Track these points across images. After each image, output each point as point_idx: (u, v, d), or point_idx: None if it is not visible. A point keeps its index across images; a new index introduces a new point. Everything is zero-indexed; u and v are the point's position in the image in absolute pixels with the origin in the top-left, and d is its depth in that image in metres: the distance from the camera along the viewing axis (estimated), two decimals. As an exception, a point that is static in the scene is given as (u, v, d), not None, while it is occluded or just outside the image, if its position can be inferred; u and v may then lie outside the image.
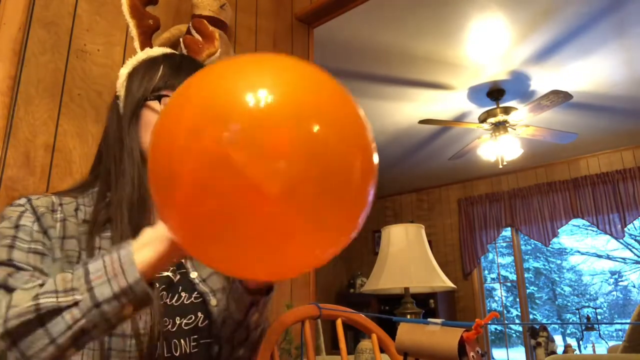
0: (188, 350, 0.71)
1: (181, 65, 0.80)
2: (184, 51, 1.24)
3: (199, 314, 0.74)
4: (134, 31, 1.22)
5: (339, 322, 0.84)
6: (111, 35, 1.37)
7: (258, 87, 0.42)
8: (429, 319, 0.69)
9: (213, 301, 0.77)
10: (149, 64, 0.81)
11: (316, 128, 0.43)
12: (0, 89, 1.12)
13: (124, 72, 0.81)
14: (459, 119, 4.18)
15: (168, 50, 0.88)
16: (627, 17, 2.86)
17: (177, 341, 0.70)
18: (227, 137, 0.40)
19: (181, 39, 1.28)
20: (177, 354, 0.69)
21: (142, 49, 1.19)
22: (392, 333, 0.99)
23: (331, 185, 0.43)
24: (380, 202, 6.49)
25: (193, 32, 1.28)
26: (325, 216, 0.44)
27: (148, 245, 0.54)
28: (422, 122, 3.73)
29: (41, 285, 0.53)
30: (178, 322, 0.72)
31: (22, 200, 0.69)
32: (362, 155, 0.46)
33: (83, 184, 0.79)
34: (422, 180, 5.87)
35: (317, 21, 2.13)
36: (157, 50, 0.87)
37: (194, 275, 0.78)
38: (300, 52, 2.07)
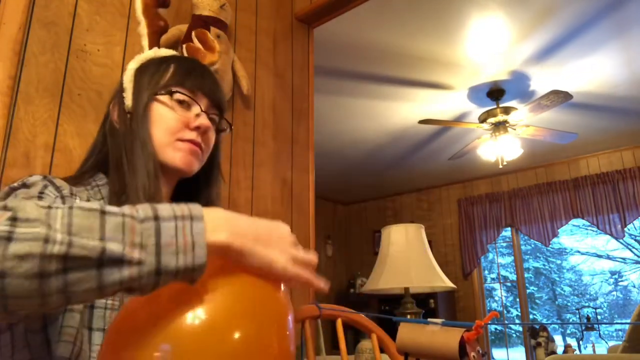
0: None
1: (193, 66, 0.82)
2: (185, 53, 1.27)
3: None
4: (144, 29, 1.25)
5: (339, 322, 0.84)
6: (111, 35, 1.37)
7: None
8: (429, 319, 0.69)
9: None
10: (159, 62, 0.82)
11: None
12: (0, 89, 1.12)
13: (132, 66, 0.82)
14: (459, 119, 4.18)
15: (176, 52, 0.90)
16: (627, 17, 2.86)
17: None
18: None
19: (184, 46, 1.31)
20: None
21: (150, 47, 1.21)
22: (392, 333, 0.99)
23: None
24: (380, 202, 6.49)
25: (195, 40, 1.31)
26: None
27: (218, 231, 0.51)
28: (422, 122, 3.73)
29: (103, 212, 0.47)
30: None
31: (38, 177, 0.67)
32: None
33: (82, 174, 0.78)
34: (422, 180, 5.87)
35: (317, 21, 2.13)
36: (166, 51, 0.88)
37: None
38: (300, 52, 2.07)
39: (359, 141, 4.68)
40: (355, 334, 4.97)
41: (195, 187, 0.86)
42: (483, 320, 0.63)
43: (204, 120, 0.79)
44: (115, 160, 0.77)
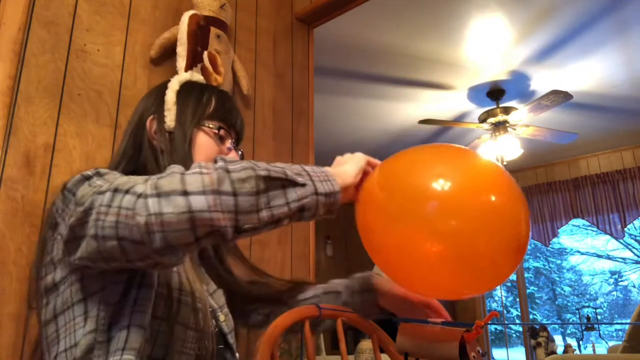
0: (213, 350, 0.79)
1: (231, 104, 0.95)
2: (200, 74, 1.37)
3: (213, 321, 0.83)
4: (184, 52, 1.36)
5: (338, 322, 0.84)
6: (111, 35, 1.37)
7: (443, 177, 0.63)
8: (429, 319, 0.69)
9: (222, 317, 0.85)
10: (200, 90, 0.94)
11: (486, 200, 0.63)
12: (0, 89, 1.12)
13: (174, 88, 0.92)
14: (459, 119, 4.18)
15: (202, 78, 1.05)
16: (627, 17, 2.86)
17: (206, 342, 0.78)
18: (428, 210, 0.62)
19: (199, 66, 1.41)
20: (204, 353, 0.77)
21: (186, 70, 1.33)
22: (392, 333, 0.99)
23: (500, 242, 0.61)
24: (380, 202, 6.49)
25: (206, 62, 1.42)
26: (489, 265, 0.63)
27: (339, 176, 0.68)
28: (422, 122, 3.72)
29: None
30: None
31: (106, 169, 0.75)
32: (525, 225, 0.63)
33: None
34: (422, 180, 5.87)
35: (317, 21, 2.12)
36: (198, 76, 1.02)
37: (204, 287, 0.85)
38: (300, 52, 2.07)
39: (359, 141, 4.68)
40: (355, 334, 4.96)
41: None
42: (483, 320, 0.63)
43: (234, 155, 0.91)
44: (152, 174, 0.83)
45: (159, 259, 0.60)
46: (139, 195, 0.58)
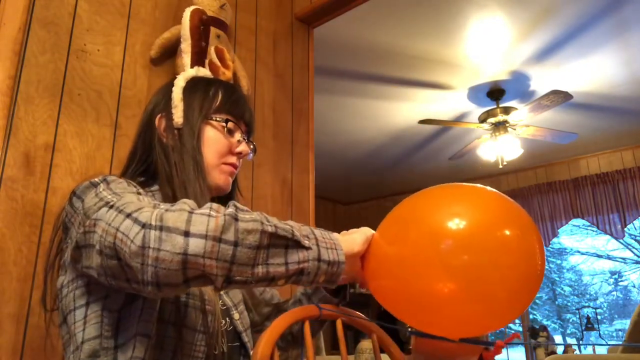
0: (224, 350, 0.80)
1: (238, 96, 0.93)
2: (208, 70, 1.36)
3: (227, 319, 0.84)
4: (188, 47, 1.36)
5: (338, 323, 0.84)
6: (111, 35, 1.37)
7: (458, 217, 0.63)
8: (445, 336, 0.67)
9: (236, 315, 0.86)
10: (206, 85, 0.92)
11: (499, 235, 0.63)
12: (0, 89, 1.12)
13: (180, 84, 0.91)
14: (459, 119, 4.18)
15: (209, 72, 1.04)
16: (627, 17, 2.86)
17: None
18: (442, 248, 0.61)
19: (206, 62, 1.40)
20: (217, 352, 0.78)
21: (192, 66, 1.33)
22: (391, 333, 0.98)
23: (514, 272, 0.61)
24: (380, 202, 6.49)
25: (214, 56, 1.41)
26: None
27: (346, 243, 0.68)
28: (422, 122, 3.72)
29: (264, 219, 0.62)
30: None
31: (114, 176, 0.75)
32: (540, 256, 0.63)
33: (146, 181, 0.85)
34: (422, 180, 5.86)
35: (317, 21, 2.12)
36: (205, 71, 1.01)
37: None
38: (300, 52, 2.07)
39: (359, 141, 4.68)
40: (355, 334, 4.96)
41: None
42: (504, 340, 0.64)
43: (245, 148, 0.90)
44: (165, 173, 0.84)
45: (144, 289, 0.60)
46: (143, 225, 0.57)
